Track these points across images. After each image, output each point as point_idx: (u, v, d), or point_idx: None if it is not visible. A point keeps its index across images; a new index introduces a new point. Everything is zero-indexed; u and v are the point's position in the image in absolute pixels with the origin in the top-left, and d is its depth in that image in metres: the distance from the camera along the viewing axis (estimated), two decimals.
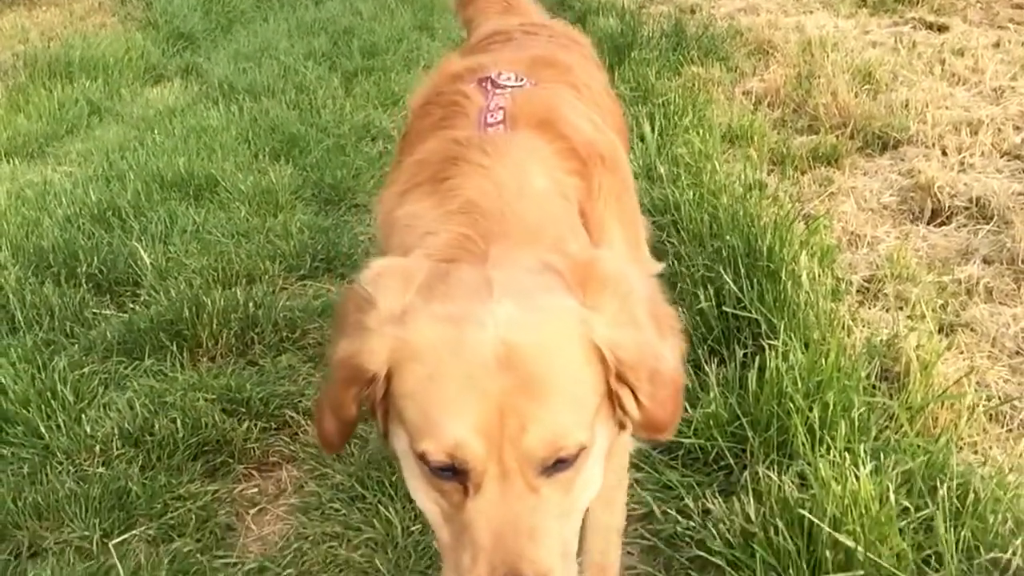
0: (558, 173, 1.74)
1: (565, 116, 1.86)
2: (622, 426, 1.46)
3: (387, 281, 1.40)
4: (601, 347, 1.34)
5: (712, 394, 2.83)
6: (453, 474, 1.30)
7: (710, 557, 2.33)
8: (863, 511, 2.21)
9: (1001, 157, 4.72)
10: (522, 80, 2.01)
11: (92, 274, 3.98)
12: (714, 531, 2.38)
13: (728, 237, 3.50)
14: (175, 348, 3.41)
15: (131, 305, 3.81)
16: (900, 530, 2.23)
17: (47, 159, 5.82)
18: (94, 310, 3.78)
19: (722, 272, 3.26)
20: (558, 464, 1.30)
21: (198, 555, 2.54)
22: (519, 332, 1.29)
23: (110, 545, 2.52)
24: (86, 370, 3.31)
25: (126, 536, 2.59)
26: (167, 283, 3.85)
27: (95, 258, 4.04)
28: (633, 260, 1.85)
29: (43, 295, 3.79)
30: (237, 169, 5.17)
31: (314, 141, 5.59)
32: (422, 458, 1.30)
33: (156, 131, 5.95)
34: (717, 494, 2.58)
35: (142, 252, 4.05)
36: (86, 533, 2.61)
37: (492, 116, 1.85)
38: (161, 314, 3.57)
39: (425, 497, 1.37)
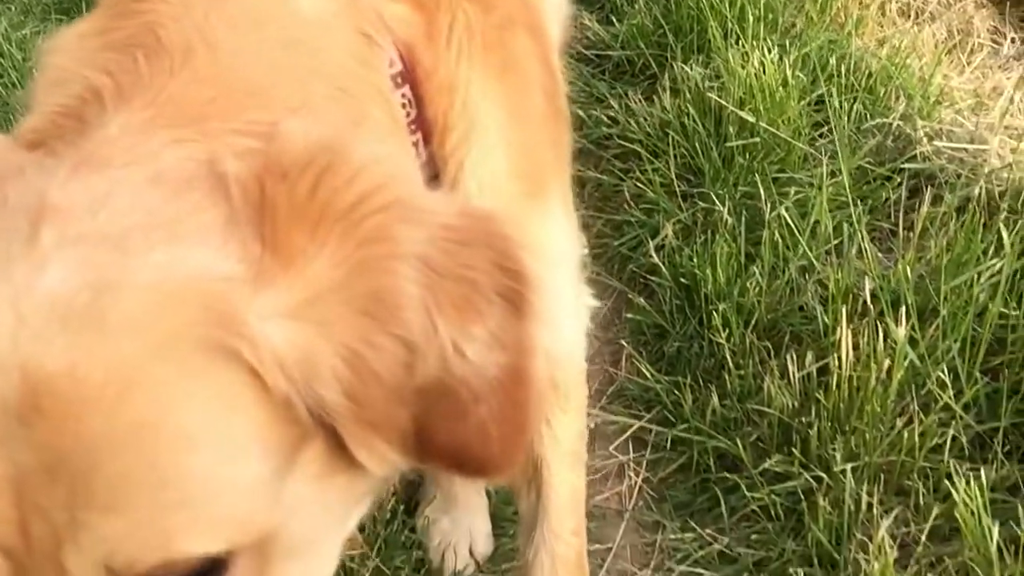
0: None
1: None
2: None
3: None
4: (262, 371, 0.69)
5: (637, 6, 2.96)
6: None
7: (631, 146, 2.59)
8: (766, 92, 2.44)
9: None
10: None
11: None
12: (635, 126, 2.62)
13: None
14: None
15: None
16: (799, 108, 2.49)
17: None
18: None
19: None
20: None
21: None
22: (64, 344, 0.66)
23: None
24: (26, 31, 3.37)
25: None
26: None
27: None
28: (520, 203, 1.11)
29: None
30: None
31: None
32: None
33: None
34: (641, 98, 2.80)
35: None
36: None
37: None
38: None
39: None
